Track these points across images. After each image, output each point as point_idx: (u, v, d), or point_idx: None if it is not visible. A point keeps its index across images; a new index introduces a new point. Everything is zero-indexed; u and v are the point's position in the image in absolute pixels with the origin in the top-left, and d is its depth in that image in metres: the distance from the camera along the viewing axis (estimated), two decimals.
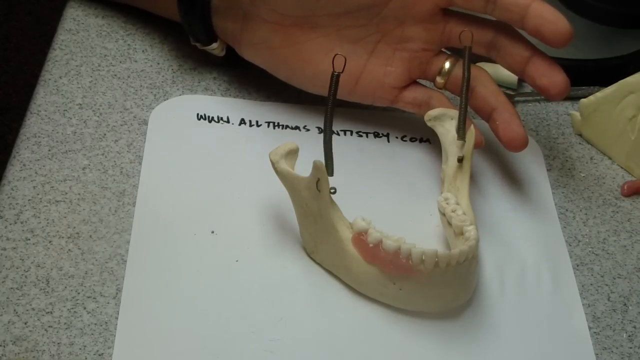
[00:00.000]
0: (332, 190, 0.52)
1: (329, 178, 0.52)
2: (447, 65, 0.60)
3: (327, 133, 0.52)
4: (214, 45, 0.63)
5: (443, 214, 0.55)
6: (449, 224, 0.55)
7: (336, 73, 0.52)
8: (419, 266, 0.51)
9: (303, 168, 0.53)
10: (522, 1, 0.56)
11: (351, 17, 0.59)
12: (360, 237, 0.52)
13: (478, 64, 0.62)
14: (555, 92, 0.58)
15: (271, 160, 0.54)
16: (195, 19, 0.62)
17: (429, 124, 0.60)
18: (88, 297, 0.52)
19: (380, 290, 0.53)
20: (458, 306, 0.54)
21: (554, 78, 0.58)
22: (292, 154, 0.54)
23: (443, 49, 0.61)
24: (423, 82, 0.62)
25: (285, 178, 0.54)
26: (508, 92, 0.69)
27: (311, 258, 0.55)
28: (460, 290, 0.53)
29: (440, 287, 0.52)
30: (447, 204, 0.55)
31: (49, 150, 0.59)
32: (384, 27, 0.60)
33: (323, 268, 0.55)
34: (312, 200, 0.53)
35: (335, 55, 0.52)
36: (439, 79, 0.61)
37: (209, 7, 0.61)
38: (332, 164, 0.52)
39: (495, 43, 0.59)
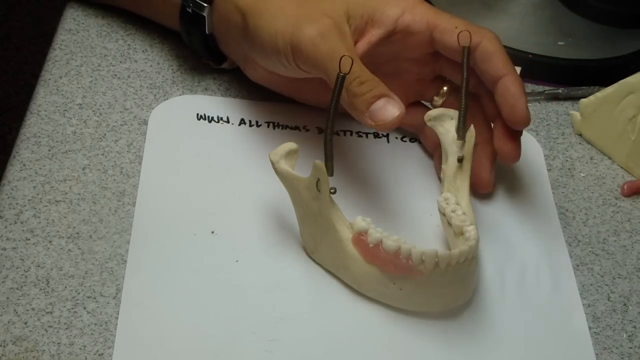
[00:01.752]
0: (332, 191, 0.52)
1: (329, 178, 0.52)
2: (445, 88, 0.61)
3: (328, 134, 0.52)
4: (225, 64, 0.65)
5: (443, 214, 0.55)
6: (449, 224, 0.55)
7: (342, 74, 0.52)
8: (419, 266, 0.51)
9: (303, 168, 0.53)
10: (495, 73, 0.57)
11: None
12: (360, 237, 0.52)
13: None
14: (501, 159, 0.59)
15: (271, 161, 0.54)
16: (201, 48, 0.64)
17: (428, 123, 0.60)
18: (88, 297, 0.52)
19: (380, 290, 0.53)
20: (458, 306, 0.54)
21: (504, 148, 0.58)
22: (292, 154, 0.54)
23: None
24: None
25: (285, 178, 0.54)
26: None
27: (311, 258, 0.55)
28: (460, 291, 0.53)
29: (440, 287, 0.52)
30: (447, 204, 0.55)
31: (49, 150, 0.59)
32: (378, 61, 0.60)
33: (323, 268, 0.55)
34: (312, 201, 0.53)
35: (342, 56, 0.51)
36: (437, 99, 0.62)
37: (213, 38, 0.63)
38: (332, 164, 0.52)
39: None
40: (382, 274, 0.52)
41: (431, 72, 0.61)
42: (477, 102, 0.60)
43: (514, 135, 0.58)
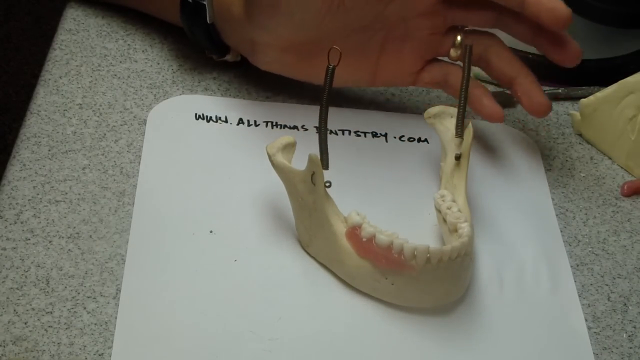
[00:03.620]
0: (327, 184, 0.52)
1: (324, 172, 0.52)
2: (459, 38, 0.61)
3: (322, 127, 0.52)
4: (228, 56, 0.65)
5: (439, 211, 0.56)
6: (444, 220, 0.55)
7: (331, 66, 0.52)
8: (410, 261, 0.51)
9: (301, 168, 0.53)
10: None
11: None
12: (354, 231, 0.52)
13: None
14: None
15: (268, 153, 0.54)
16: (203, 39, 0.63)
17: (428, 121, 0.60)
18: (88, 297, 0.52)
19: (372, 284, 0.53)
20: (454, 304, 0.54)
21: (563, 52, 0.59)
22: (289, 147, 0.54)
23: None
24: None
25: (282, 171, 0.54)
26: (507, 91, 0.68)
27: (306, 251, 0.55)
28: (452, 287, 0.53)
29: (431, 283, 0.52)
30: (443, 200, 0.55)
31: (49, 150, 0.59)
32: (388, 23, 0.60)
33: (319, 264, 0.55)
34: (308, 194, 0.53)
35: (331, 49, 0.51)
36: (453, 52, 0.62)
37: (215, 29, 0.62)
38: (327, 158, 0.52)
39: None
40: (374, 269, 0.52)
41: (443, 24, 0.61)
42: (487, 66, 0.61)
43: (564, 37, 0.58)
